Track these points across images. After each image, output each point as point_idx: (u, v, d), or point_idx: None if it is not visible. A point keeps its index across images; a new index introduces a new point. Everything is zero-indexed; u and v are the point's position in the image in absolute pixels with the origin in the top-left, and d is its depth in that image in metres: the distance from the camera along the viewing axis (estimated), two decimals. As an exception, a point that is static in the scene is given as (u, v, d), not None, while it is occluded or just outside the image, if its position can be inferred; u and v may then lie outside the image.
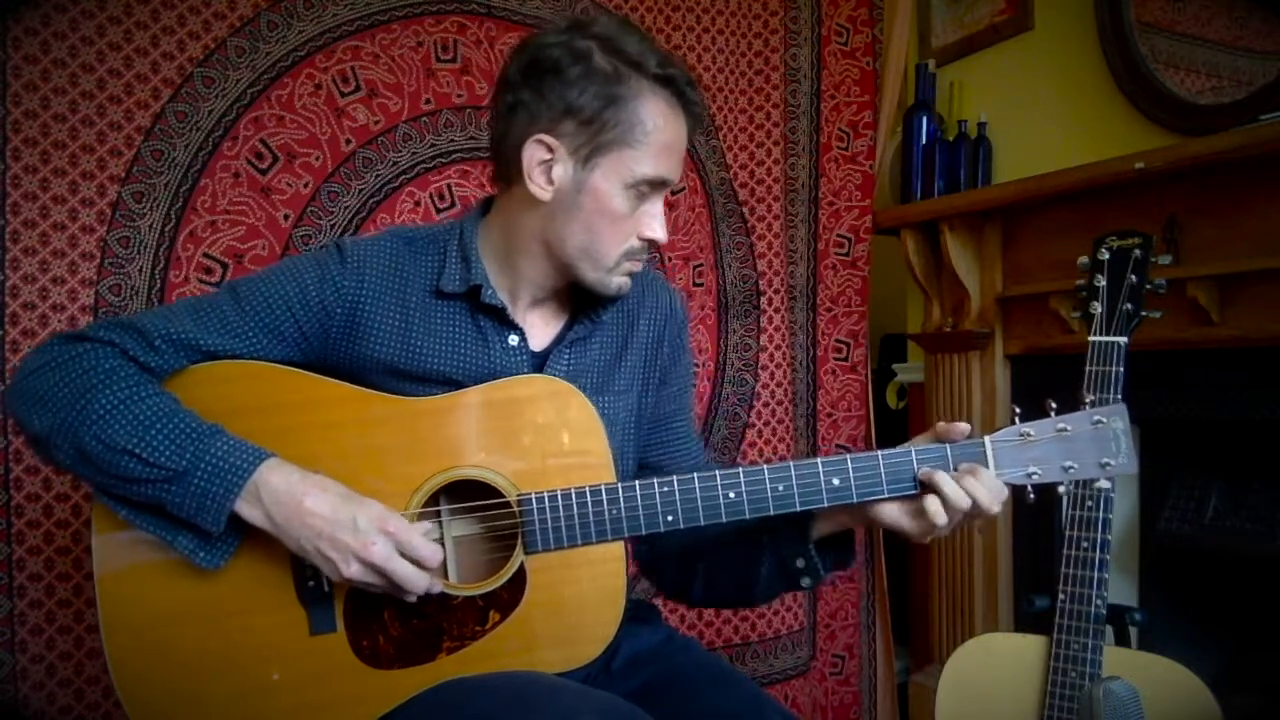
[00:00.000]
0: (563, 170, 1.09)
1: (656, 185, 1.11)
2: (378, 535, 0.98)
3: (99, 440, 0.98)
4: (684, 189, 2.11)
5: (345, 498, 1.00)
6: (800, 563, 1.14)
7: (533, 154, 1.09)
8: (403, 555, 0.99)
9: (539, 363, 1.17)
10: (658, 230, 1.12)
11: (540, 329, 1.19)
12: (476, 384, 1.11)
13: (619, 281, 1.14)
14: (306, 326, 1.10)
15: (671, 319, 1.28)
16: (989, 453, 1.06)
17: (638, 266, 1.15)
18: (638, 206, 1.11)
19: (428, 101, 1.87)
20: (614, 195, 1.09)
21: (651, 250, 1.16)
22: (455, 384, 1.12)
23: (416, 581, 0.99)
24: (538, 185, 1.09)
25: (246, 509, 0.99)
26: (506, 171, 1.13)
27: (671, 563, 1.27)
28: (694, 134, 1.16)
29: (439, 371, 1.12)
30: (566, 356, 1.18)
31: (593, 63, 1.07)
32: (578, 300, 1.21)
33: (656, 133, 1.08)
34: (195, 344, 1.06)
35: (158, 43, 1.66)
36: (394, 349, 1.12)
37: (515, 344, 1.15)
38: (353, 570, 0.98)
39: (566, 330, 1.20)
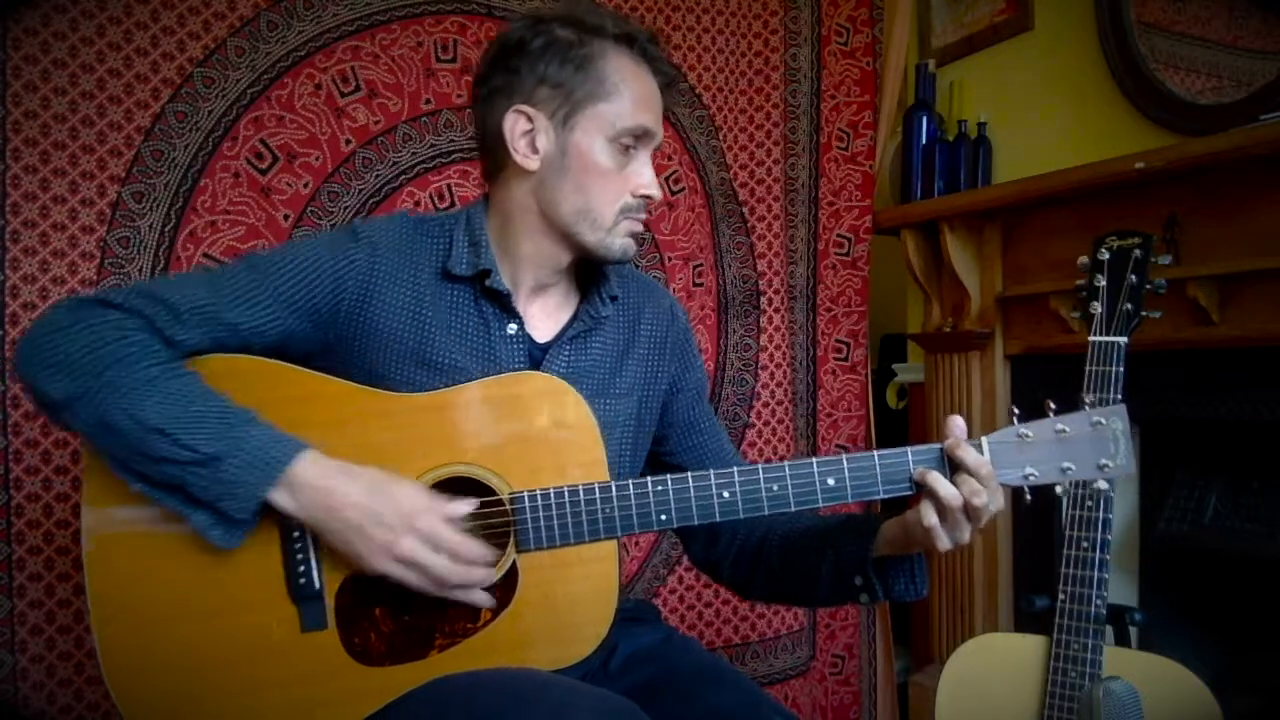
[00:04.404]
0: (545, 137, 1.12)
1: (639, 137, 1.13)
2: (406, 531, 0.99)
3: (128, 415, 0.97)
4: (684, 190, 2.11)
5: (376, 490, 1.00)
6: (858, 580, 1.15)
7: (514, 125, 1.12)
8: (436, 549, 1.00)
9: (539, 355, 1.17)
10: (649, 184, 1.14)
11: (541, 320, 1.19)
12: (478, 368, 1.12)
13: (621, 243, 1.15)
14: (319, 298, 1.10)
15: (674, 324, 1.30)
16: (986, 454, 1.05)
17: (638, 226, 1.16)
18: (625, 163, 1.13)
19: (428, 102, 1.87)
20: (597, 150, 1.11)
21: (648, 208, 1.17)
22: (456, 369, 1.12)
23: (447, 574, 1.01)
24: (523, 155, 1.12)
25: (278, 498, 0.99)
26: (494, 159, 1.16)
27: (726, 564, 1.27)
28: (667, 93, 1.18)
29: (444, 354, 1.12)
30: (567, 352, 1.18)
31: (554, 34, 1.11)
32: (580, 293, 1.22)
33: (625, 84, 1.12)
34: (219, 317, 1.06)
35: (158, 43, 1.67)
36: (404, 327, 1.12)
37: (513, 333, 1.15)
38: (387, 566, 1.00)
39: (568, 326, 1.20)
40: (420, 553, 1.00)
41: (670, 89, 1.18)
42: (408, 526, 0.99)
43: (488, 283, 1.14)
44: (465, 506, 1.04)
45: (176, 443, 0.97)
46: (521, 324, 1.16)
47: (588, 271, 1.22)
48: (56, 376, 0.99)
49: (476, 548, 1.02)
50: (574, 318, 1.21)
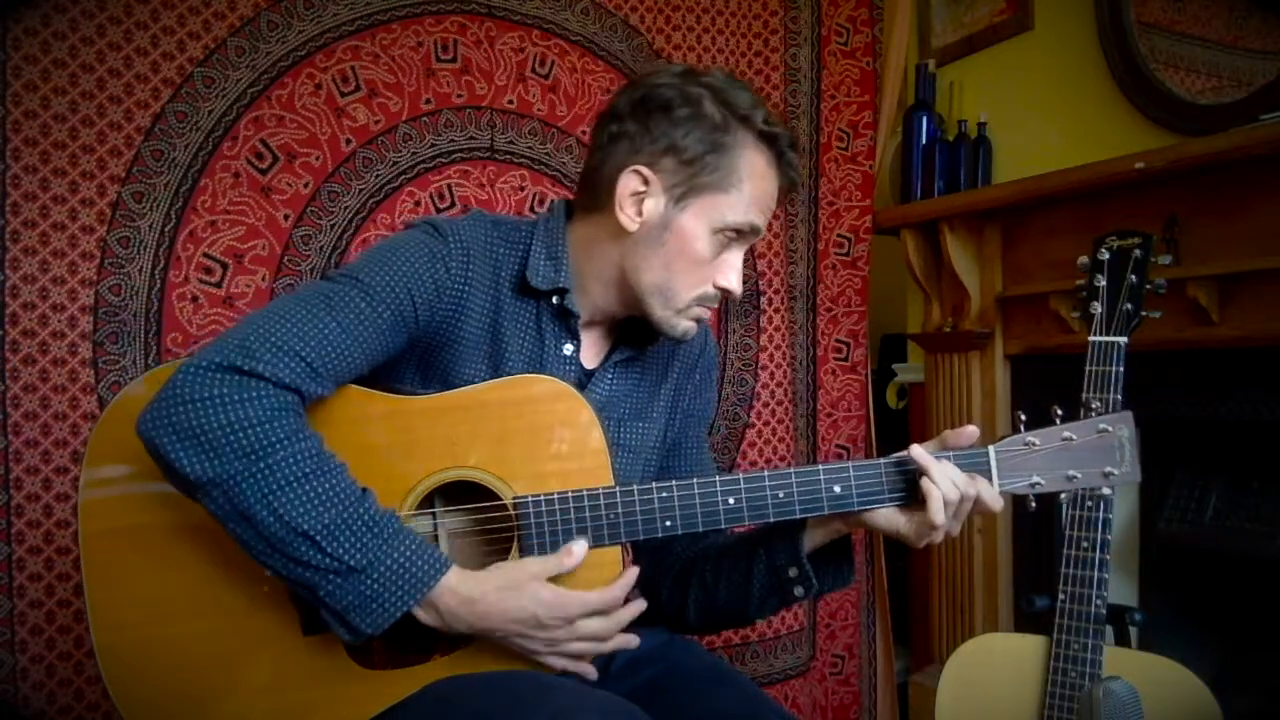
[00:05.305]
0: (654, 204, 1.10)
1: (742, 234, 1.13)
2: (563, 624, 1.02)
3: (273, 513, 0.92)
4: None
5: (514, 590, 1.01)
6: (793, 572, 1.14)
7: (628, 183, 1.10)
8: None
9: (585, 379, 1.18)
10: (733, 280, 1.13)
11: (587, 346, 1.20)
12: None
13: (685, 325, 1.15)
14: (420, 304, 1.07)
15: (704, 353, 1.31)
16: (992, 461, 1.06)
17: (706, 314, 1.16)
18: (719, 254, 1.12)
19: (428, 101, 1.87)
20: (699, 238, 1.10)
21: (721, 300, 1.17)
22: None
23: (607, 629, 1.05)
24: (627, 215, 1.11)
25: (420, 614, 0.99)
26: (595, 199, 1.14)
27: (666, 584, 1.26)
28: (785, 197, 1.17)
29: (509, 362, 1.12)
30: (610, 377, 1.19)
31: (702, 108, 1.09)
32: (624, 330, 1.22)
33: (751, 183, 1.11)
34: (348, 362, 1.02)
35: (158, 43, 1.66)
36: (485, 333, 1.12)
37: (569, 353, 1.16)
38: (563, 650, 1.04)
39: (612, 352, 1.21)
40: (587, 627, 1.03)
41: (790, 193, 1.18)
42: (564, 618, 1.02)
43: (559, 300, 1.13)
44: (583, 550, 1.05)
45: (322, 551, 0.93)
46: (579, 346, 1.16)
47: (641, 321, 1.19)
48: (196, 454, 0.92)
49: (604, 595, 1.04)
50: (615, 345, 1.22)
